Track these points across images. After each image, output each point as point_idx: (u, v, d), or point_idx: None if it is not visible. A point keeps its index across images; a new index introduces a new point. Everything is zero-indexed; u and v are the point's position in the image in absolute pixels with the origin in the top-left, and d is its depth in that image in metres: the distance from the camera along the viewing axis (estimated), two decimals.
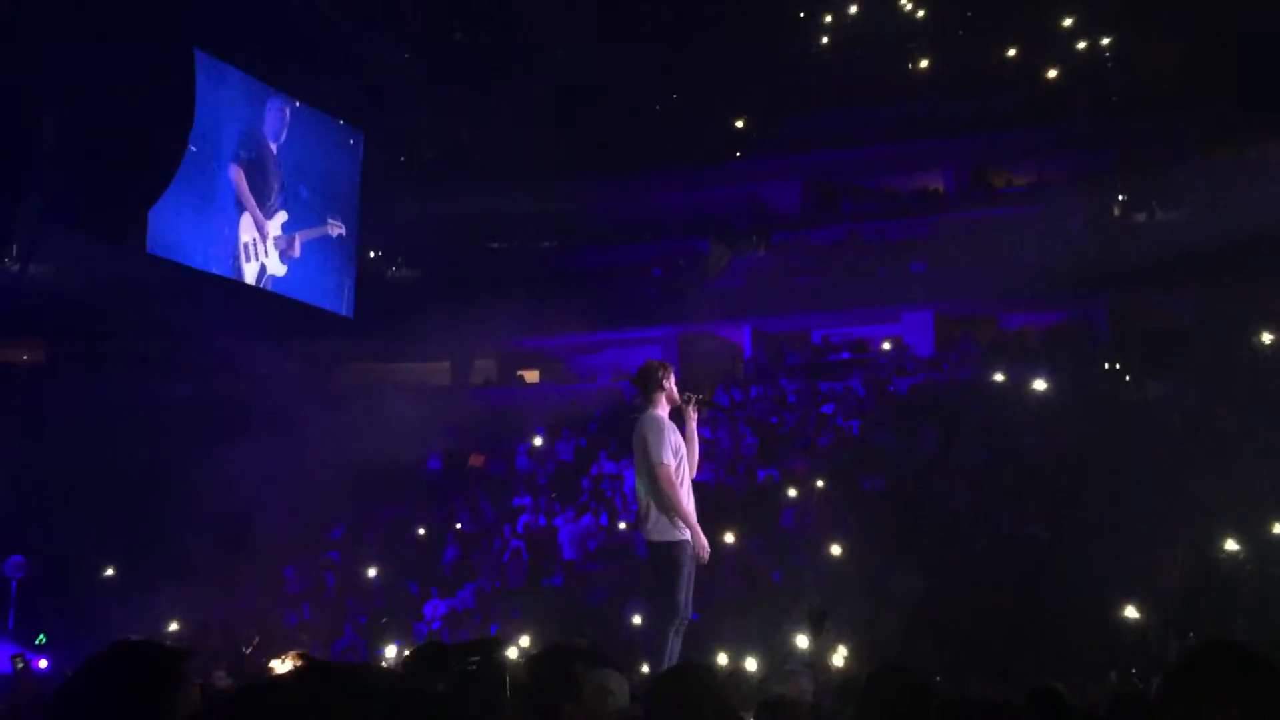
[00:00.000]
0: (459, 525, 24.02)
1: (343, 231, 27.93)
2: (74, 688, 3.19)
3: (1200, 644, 2.57)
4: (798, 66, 33.15)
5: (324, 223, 27.69)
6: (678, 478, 7.96)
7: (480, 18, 29.67)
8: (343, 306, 28.46)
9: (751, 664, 14.58)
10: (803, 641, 13.69)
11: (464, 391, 31.60)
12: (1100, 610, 17.69)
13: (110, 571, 22.61)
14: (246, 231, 25.91)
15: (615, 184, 32.70)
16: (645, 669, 9.02)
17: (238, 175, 25.79)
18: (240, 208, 25.92)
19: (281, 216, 26.75)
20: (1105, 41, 31.27)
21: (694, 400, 8.55)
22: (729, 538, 19.74)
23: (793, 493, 21.75)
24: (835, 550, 19.54)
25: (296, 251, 27.05)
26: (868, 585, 18.37)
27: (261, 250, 26.15)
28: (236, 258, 25.79)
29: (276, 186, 26.72)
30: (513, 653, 17.60)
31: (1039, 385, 23.84)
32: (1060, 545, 19.37)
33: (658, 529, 7.96)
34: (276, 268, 26.54)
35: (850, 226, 31.49)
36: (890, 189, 32.93)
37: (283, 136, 26.90)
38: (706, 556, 8.03)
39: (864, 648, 15.42)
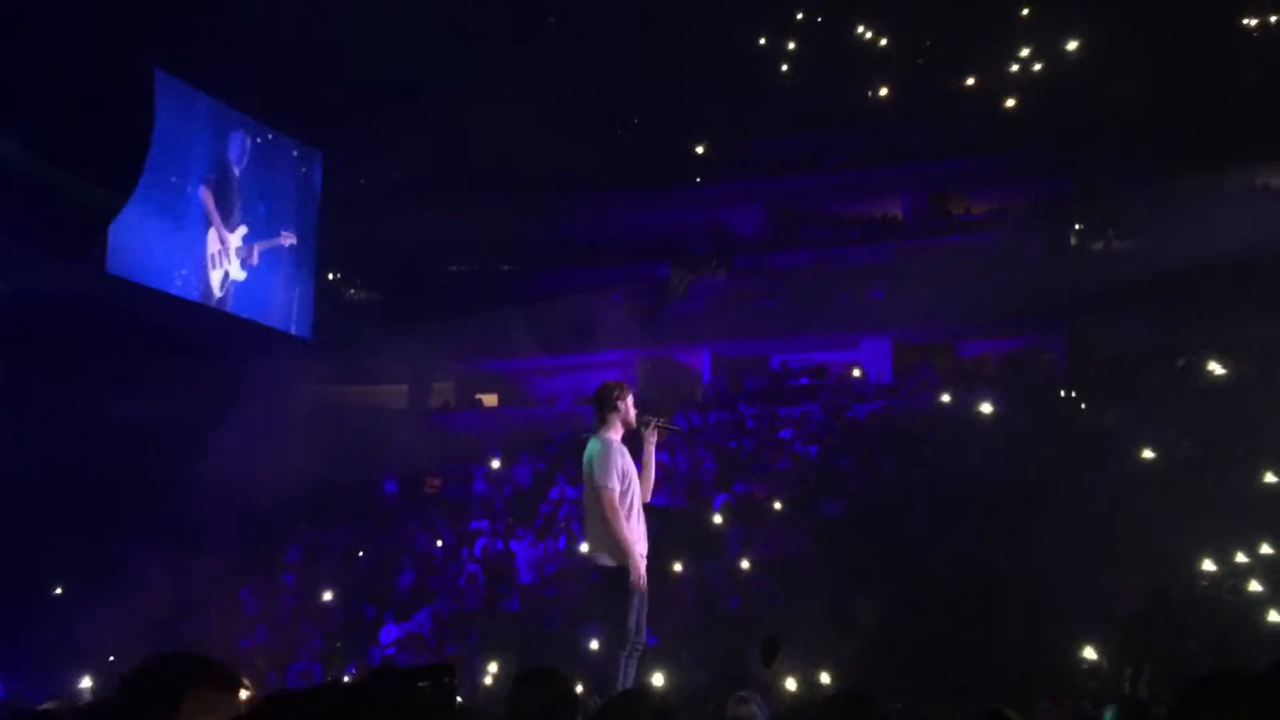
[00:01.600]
0: (420, 547, 23.88)
1: (294, 241, 27.95)
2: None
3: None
4: (760, 91, 33.22)
5: (279, 235, 27.77)
6: (624, 503, 7.86)
7: (442, 40, 29.61)
8: (299, 326, 28.29)
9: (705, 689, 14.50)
10: (757, 669, 13.63)
11: (422, 414, 31.44)
12: (1057, 636, 17.72)
13: (59, 591, 22.33)
14: (213, 243, 26.08)
15: (576, 206, 32.66)
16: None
17: (206, 195, 25.92)
18: (207, 223, 26.02)
19: (242, 230, 26.79)
20: (1063, 70, 31.46)
21: (653, 423, 8.45)
22: (680, 565, 19.69)
23: (750, 516, 21.71)
24: (793, 575, 19.50)
25: (255, 259, 27.06)
26: (826, 610, 18.33)
27: (225, 259, 26.27)
28: (204, 269, 25.85)
29: (238, 204, 26.74)
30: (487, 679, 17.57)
31: (997, 411, 23.90)
32: (1017, 571, 19.40)
33: (603, 554, 7.87)
34: (238, 273, 26.66)
35: (810, 252, 31.54)
36: (850, 215, 33.02)
37: (244, 162, 26.91)
38: (643, 585, 7.92)
39: (821, 672, 15.37)
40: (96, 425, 24.23)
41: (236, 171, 26.88)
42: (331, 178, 29.42)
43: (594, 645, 17.41)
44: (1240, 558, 17.93)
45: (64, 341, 24.25)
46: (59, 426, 23.40)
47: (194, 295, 25.76)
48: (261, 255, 27.38)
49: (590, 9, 30.34)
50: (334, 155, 29.50)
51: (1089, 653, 16.65)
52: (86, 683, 17.75)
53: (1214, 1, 29.60)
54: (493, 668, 17.89)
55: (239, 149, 27.00)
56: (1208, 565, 17.87)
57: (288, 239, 27.95)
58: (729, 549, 21.17)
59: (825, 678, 15.59)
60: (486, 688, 17.83)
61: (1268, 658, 3.12)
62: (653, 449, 8.42)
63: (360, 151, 30.14)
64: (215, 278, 26.28)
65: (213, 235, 26.24)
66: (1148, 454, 21.56)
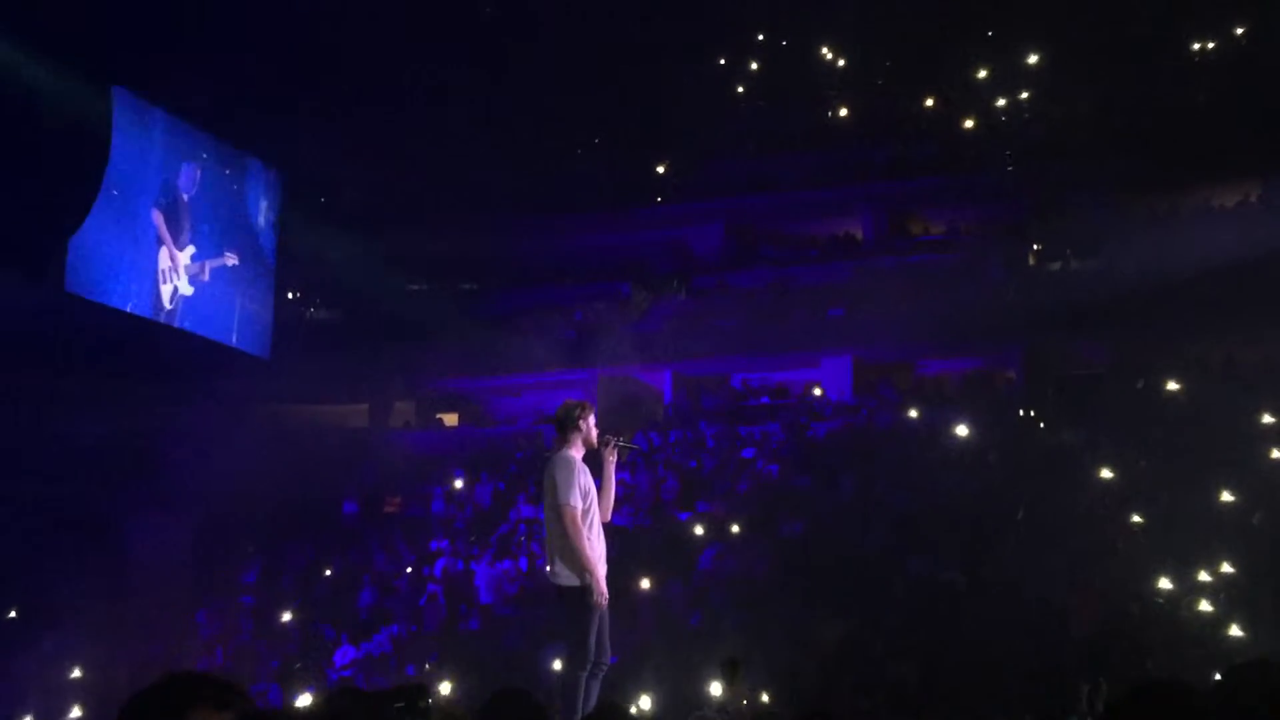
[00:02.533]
0: (381, 567, 23.79)
1: (235, 261, 27.79)
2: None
3: (1129, 686, 2.56)
4: (720, 111, 33.37)
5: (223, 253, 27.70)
6: (585, 521, 7.86)
7: (404, 60, 29.64)
8: (258, 345, 28.17)
9: (664, 709, 14.51)
10: (716, 689, 13.63)
11: (382, 434, 31.34)
12: (1015, 654, 17.80)
13: (13, 614, 22.11)
14: (163, 260, 25.97)
15: (537, 226, 32.67)
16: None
17: (158, 218, 25.80)
18: (159, 243, 25.90)
19: (190, 249, 26.68)
20: (1021, 93, 31.74)
21: (614, 443, 8.46)
22: (646, 582, 19.70)
23: (711, 535, 21.74)
24: (754, 594, 19.53)
25: (206, 276, 26.95)
26: (786, 629, 18.37)
27: (174, 275, 26.17)
28: (155, 283, 25.73)
29: (187, 226, 26.66)
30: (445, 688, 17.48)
31: (956, 431, 24.03)
32: (976, 589, 19.49)
33: (564, 572, 7.87)
34: (186, 289, 26.52)
35: (770, 272, 31.62)
36: (810, 234, 33.16)
37: (200, 181, 26.85)
38: (604, 603, 7.92)
39: (782, 692, 15.39)
40: (53, 444, 24.07)
41: (191, 191, 26.75)
42: (292, 197, 29.32)
43: (556, 665, 17.43)
44: (1198, 576, 18.07)
45: (19, 359, 24.08)
46: (12, 444, 23.21)
47: (145, 311, 25.63)
48: (213, 272, 27.28)
49: (553, 31, 30.40)
50: (294, 174, 29.41)
51: (1048, 667, 16.72)
52: (75, 713, 17.61)
53: (1166, 26, 29.92)
54: (445, 688, 17.80)
55: (194, 169, 26.90)
56: (1165, 584, 18.01)
57: (230, 259, 27.81)
58: (690, 568, 21.19)
59: (785, 696, 15.61)
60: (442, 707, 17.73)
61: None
62: (613, 468, 8.42)
63: (321, 170, 30.08)
64: (165, 292, 26.16)
65: (163, 252, 26.12)
66: (1105, 473, 21.71)
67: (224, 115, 26.80)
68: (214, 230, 27.48)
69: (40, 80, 22.78)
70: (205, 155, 27.03)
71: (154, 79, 25.22)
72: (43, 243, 23.75)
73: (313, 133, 27.84)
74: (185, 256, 26.54)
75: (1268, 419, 22.23)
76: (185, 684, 3.26)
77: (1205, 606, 17.37)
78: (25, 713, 18.83)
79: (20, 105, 22.41)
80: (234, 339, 27.76)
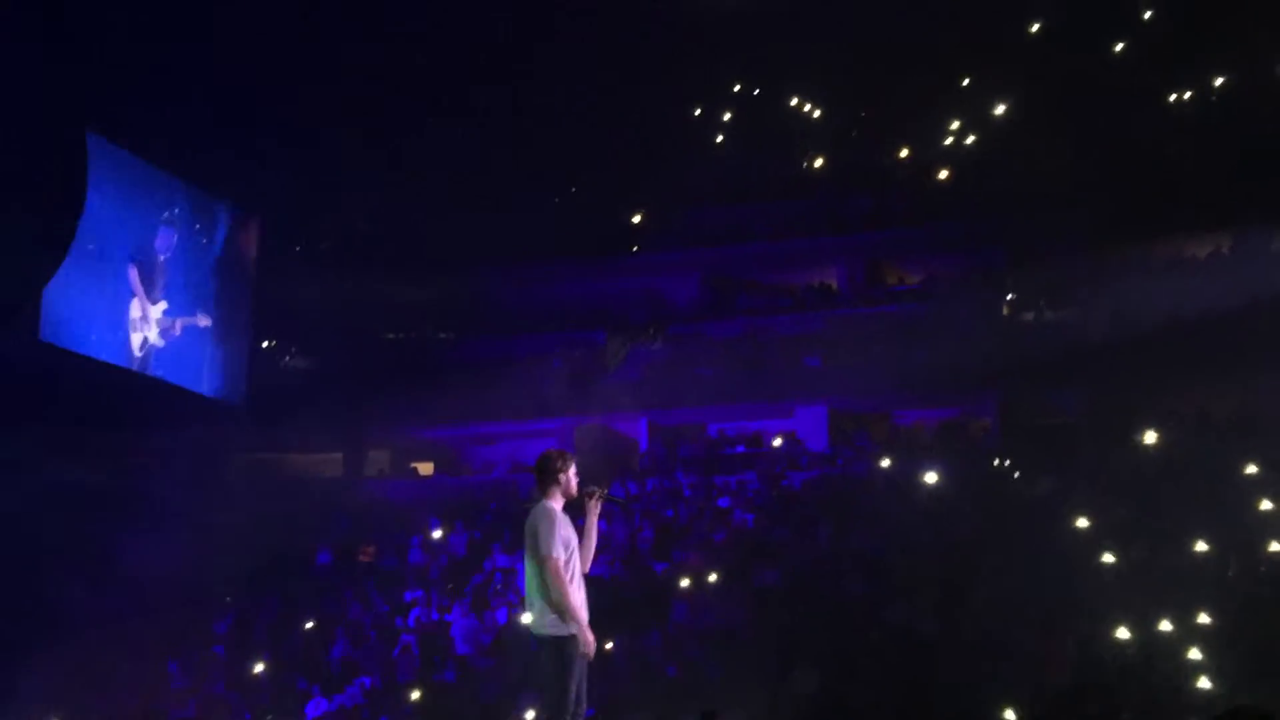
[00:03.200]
0: (355, 617, 23.62)
1: (209, 323, 27.76)
2: None
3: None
4: (695, 162, 33.49)
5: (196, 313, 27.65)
6: (567, 572, 7.84)
7: (380, 108, 29.71)
8: (231, 392, 28.09)
9: None
10: None
11: (357, 483, 31.21)
12: (989, 704, 17.77)
13: None
14: (135, 310, 25.94)
15: (513, 275, 32.70)
16: None
17: (133, 272, 25.85)
18: (133, 294, 25.89)
19: (163, 305, 26.62)
20: (994, 142, 31.94)
21: (596, 494, 8.44)
22: (624, 632, 19.62)
23: (688, 585, 21.69)
24: (730, 644, 19.48)
25: (178, 331, 26.89)
26: (763, 679, 18.32)
27: (145, 325, 26.13)
28: (128, 332, 25.69)
29: (161, 283, 26.66)
30: None
31: (931, 480, 24.05)
32: (950, 639, 19.47)
33: (547, 623, 7.84)
34: (156, 340, 26.46)
35: (746, 321, 31.68)
36: (786, 284, 33.25)
37: (170, 252, 26.89)
38: (592, 653, 7.89)
39: None
40: (21, 492, 23.88)
41: (168, 253, 26.81)
42: (267, 244, 29.30)
43: (529, 717, 17.34)
44: (1173, 627, 18.08)
45: None
46: None
47: (119, 360, 25.53)
48: (185, 329, 27.30)
49: (530, 80, 30.53)
50: (269, 221, 29.40)
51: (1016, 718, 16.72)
52: None
53: (1140, 75, 30.19)
54: None
55: (171, 232, 27.00)
56: (1139, 634, 18.01)
57: (203, 320, 27.78)
58: (666, 618, 21.12)
59: None
60: None
61: None
62: (595, 519, 8.40)
63: (297, 218, 30.10)
64: (135, 340, 26.13)
65: (135, 303, 26.10)
66: (1080, 523, 21.73)
67: (199, 163, 26.80)
68: (189, 285, 27.48)
69: (12, 126, 22.72)
70: (181, 204, 27.02)
71: (130, 126, 25.22)
72: (15, 291, 23.66)
73: (289, 180, 27.86)
74: (157, 311, 26.51)
75: (1241, 470, 22.31)
76: None
77: (1180, 657, 17.38)
78: None
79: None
80: (206, 387, 27.67)
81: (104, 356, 25.28)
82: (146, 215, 26.23)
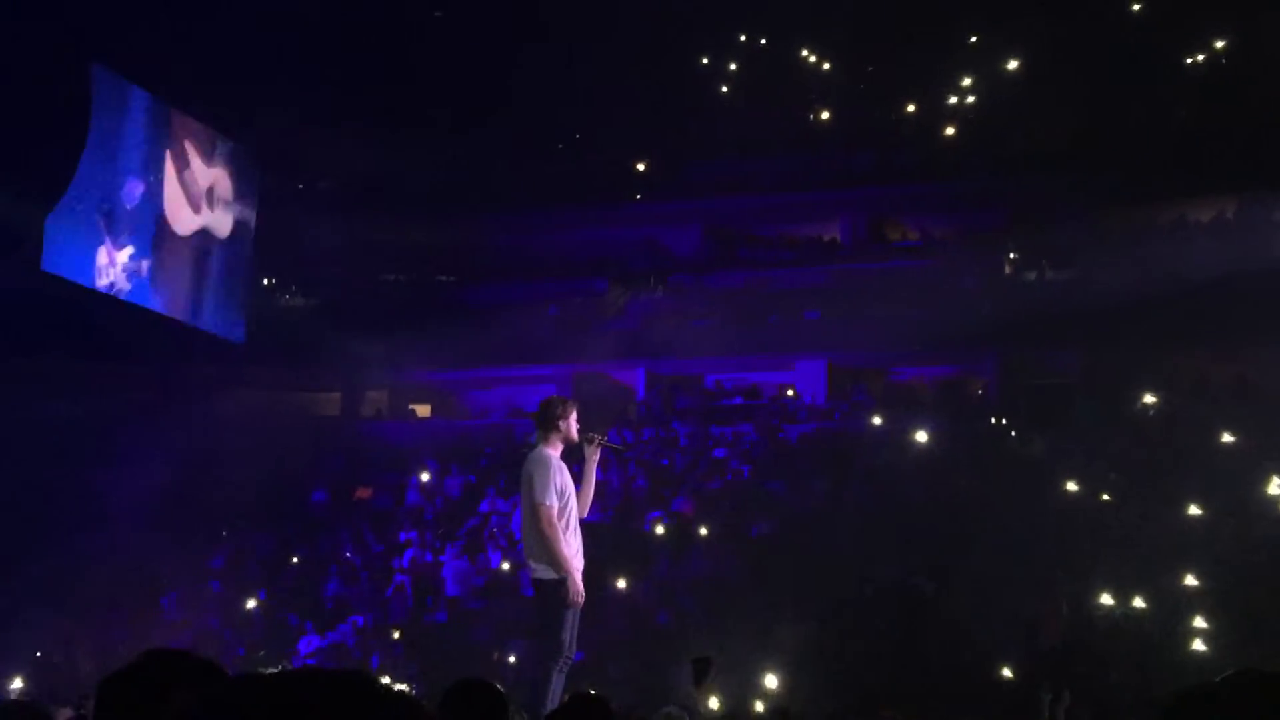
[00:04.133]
0: (349, 556, 23.72)
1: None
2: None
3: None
4: (701, 112, 33.36)
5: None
6: (561, 519, 7.84)
7: (384, 48, 29.57)
8: (230, 329, 28.05)
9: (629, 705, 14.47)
10: (685, 688, 13.66)
11: (354, 423, 31.27)
12: (981, 662, 17.87)
13: None
14: (102, 256, 25.59)
15: (515, 220, 32.63)
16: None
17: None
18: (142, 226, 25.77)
19: (129, 250, 26.30)
20: (1000, 102, 31.80)
21: (596, 441, 8.43)
22: (617, 579, 19.71)
23: (681, 535, 21.76)
24: (722, 594, 19.56)
25: (144, 273, 26.63)
26: (753, 630, 18.40)
27: (111, 270, 25.90)
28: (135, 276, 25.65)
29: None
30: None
31: (928, 437, 24.10)
32: (944, 596, 19.55)
33: (541, 567, 7.86)
34: (124, 284, 26.18)
35: (747, 273, 31.63)
36: (788, 237, 33.17)
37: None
38: (581, 601, 7.91)
39: (747, 692, 15.42)
40: (20, 425, 23.91)
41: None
42: (270, 182, 29.21)
43: (512, 659, 17.45)
44: (1164, 589, 18.17)
45: None
46: None
47: (124, 294, 25.46)
48: (188, 253, 27.09)
49: (535, 27, 30.34)
50: (272, 160, 29.30)
51: (1012, 677, 16.81)
52: (17, 684, 17.48)
53: (1146, 39, 30.02)
54: (408, 680, 17.79)
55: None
56: (1131, 596, 18.09)
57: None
58: (659, 566, 21.21)
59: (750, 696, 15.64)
60: None
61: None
62: (594, 466, 8.40)
63: (300, 157, 29.99)
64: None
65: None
66: (1074, 484, 21.79)
67: (203, 98, 26.67)
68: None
69: (17, 53, 22.60)
70: (183, 138, 26.87)
71: (135, 58, 25.09)
72: (17, 220, 23.60)
73: (292, 119, 27.73)
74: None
75: (1237, 435, 22.35)
76: (166, 662, 3.21)
77: (1171, 619, 17.47)
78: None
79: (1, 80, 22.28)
80: (204, 322, 27.59)
81: (105, 289, 25.20)
82: (149, 143, 26.06)
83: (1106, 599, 18.14)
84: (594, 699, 4.63)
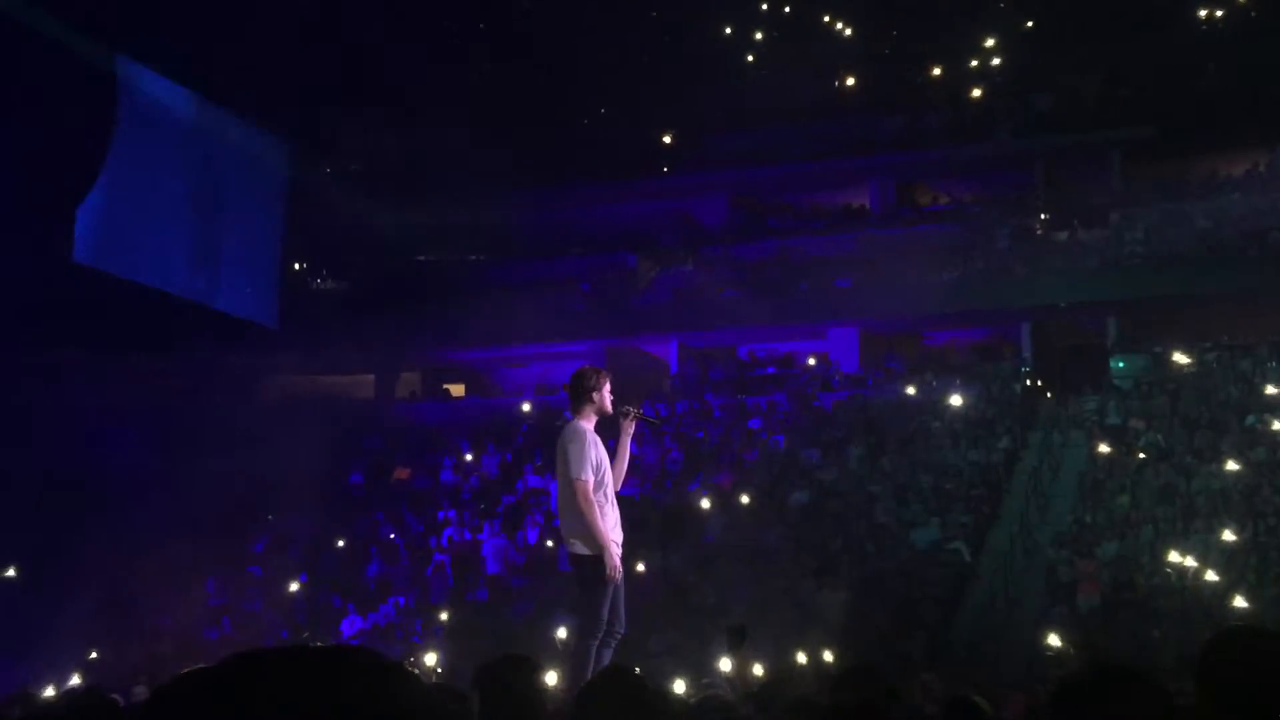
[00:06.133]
0: (393, 537, 23.85)
1: None
2: None
3: (1085, 666, 2.54)
4: (725, 83, 33.22)
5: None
6: (597, 493, 7.81)
7: (410, 30, 29.54)
8: (265, 315, 28.20)
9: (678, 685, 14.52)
10: (725, 664, 13.70)
11: (388, 404, 31.39)
12: (1020, 624, 17.87)
13: (11, 573, 22.04)
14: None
15: (543, 197, 32.60)
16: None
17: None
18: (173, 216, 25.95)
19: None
20: (1029, 62, 31.60)
21: (631, 413, 8.36)
22: (655, 552, 19.75)
23: (718, 506, 21.80)
24: (759, 564, 19.59)
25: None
26: (791, 598, 18.43)
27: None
28: (169, 258, 25.79)
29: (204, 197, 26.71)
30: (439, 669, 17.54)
31: (962, 401, 24.05)
32: (982, 560, 19.55)
33: (578, 542, 7.84)
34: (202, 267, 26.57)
35: (777, 242, 31.54)
36: (816, 205, 33.09)
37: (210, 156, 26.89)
38: (618, 576, 7.88)
39: (786, 660, 15.43)
40: (62, 416, 24.09)
41: (200, 164, 26.77)
42: (299, 169, 29.29)
43: (561, 634, 17.50)
44: (1204, 544, 18.11)
45: (28, 330, 24.10)
46: (20, 417, 23.22)
47: (154, 281, 25.62)
48: (223, 245, 27.30)
49: (558, 4, 30.29)
50: (302, 146, 29.37)
51: (1053, 640, 16.79)
52: (75, 679, 17.61)
53: None
54: (451, 658, 17.86)
55: (205, 143, 26.96)
56: (1171, 554, 18.04)
57: None
58: (697, 538, 21.25)
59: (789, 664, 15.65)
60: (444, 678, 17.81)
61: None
62: (629, 439, 8.35)
63: (328, 142, 30.05)
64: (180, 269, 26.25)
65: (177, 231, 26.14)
66: (1109, 444, 21.74)
67: (230, 84, 26.74)
68: (229, 202, 27.49)
69: (45, 45, 22.70)
70: (212, 127, 26.98)
71: (161, 48, 25.15)
72: (50, 212, 23.73)
73: (321, 104, 27.79)
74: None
75: (1271, 390, 22.25)
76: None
77: (1212, 576, 17.40)
78: (32, 678, 18.90)
79: (28, 70, 22.35)
80: (237, 308, 27.76)
81: (137, 278, 25.37)
82: (179, 134, 26.18)
83: (1148, 557, 18.09)
84: (621, 671, 4.63)
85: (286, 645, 1.14)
